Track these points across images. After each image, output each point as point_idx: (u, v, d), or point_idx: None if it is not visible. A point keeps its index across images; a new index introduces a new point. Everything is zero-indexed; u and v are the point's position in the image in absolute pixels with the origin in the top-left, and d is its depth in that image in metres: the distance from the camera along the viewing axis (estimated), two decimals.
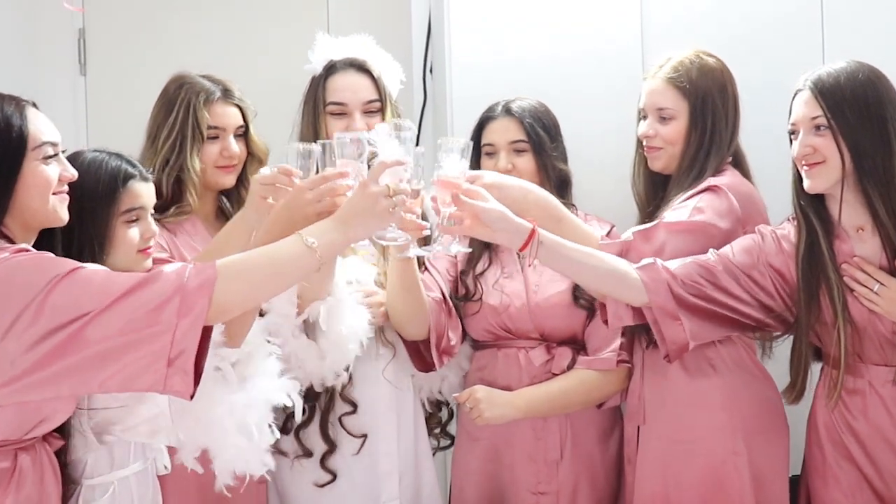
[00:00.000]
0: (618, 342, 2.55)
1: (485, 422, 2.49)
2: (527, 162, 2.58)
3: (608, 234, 2.56)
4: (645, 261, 2.27)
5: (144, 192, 2.13)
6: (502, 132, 2.58)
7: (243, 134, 2.55)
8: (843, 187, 2.20)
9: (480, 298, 2.59)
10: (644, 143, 2.55)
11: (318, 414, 2.48)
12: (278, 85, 2.84)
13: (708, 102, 2.47)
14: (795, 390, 2.35)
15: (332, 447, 2.49)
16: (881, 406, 2.27)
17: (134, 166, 2.14)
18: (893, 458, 2.27)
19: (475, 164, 2.57)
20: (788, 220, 2.36)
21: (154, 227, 2.14)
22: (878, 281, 2.19)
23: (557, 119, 2.65)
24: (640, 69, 2.83)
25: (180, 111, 2.45)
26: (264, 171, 2.21)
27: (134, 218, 2.10)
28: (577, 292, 2.56)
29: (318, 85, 2.56)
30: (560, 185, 2.63)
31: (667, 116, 2.48)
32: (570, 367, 2.56)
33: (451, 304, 2.55)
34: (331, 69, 2.56)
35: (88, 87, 3.86)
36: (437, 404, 2.72)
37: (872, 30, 2.83)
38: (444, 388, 2.68)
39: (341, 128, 2.47)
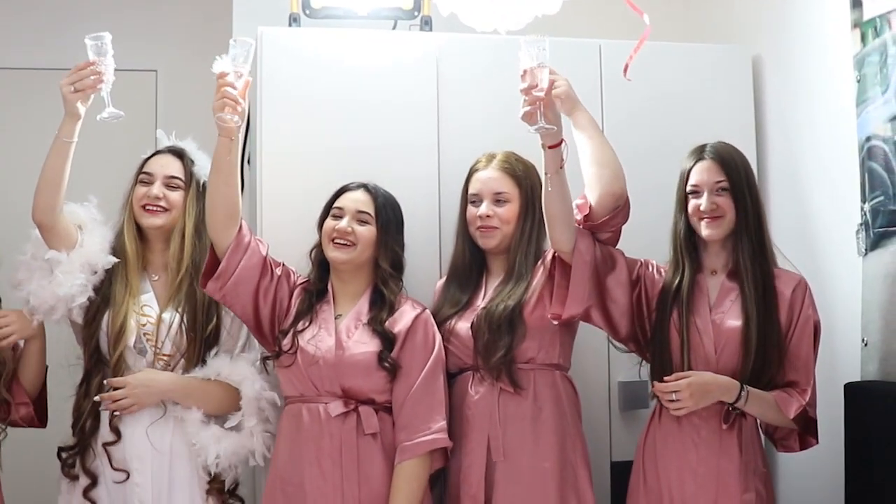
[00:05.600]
0: (443, 422, 2.71)
1: None
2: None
3: (418, 316, 2.78)
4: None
5: None
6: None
7: None
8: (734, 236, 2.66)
9: (295, 353, 2.75)
10: (479, 224, 2.80)
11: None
12: None
13: (536, 190, 2.78)
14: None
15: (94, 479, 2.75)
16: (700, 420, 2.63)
17: None
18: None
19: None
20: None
21: None
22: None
23: None
24: (436, 153, 3.12)
25: None
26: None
27: None
28: (381, 355, 2.72)
29: (142, 163, 2.96)
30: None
31: (502, 200, 2.77)
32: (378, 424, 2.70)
33: (273, 267, 2.82)
34: (155, 153, 2.98)
35: None
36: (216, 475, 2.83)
37: None
38: (222, 451, 2.78)
39: (142, 193, 2.88)
